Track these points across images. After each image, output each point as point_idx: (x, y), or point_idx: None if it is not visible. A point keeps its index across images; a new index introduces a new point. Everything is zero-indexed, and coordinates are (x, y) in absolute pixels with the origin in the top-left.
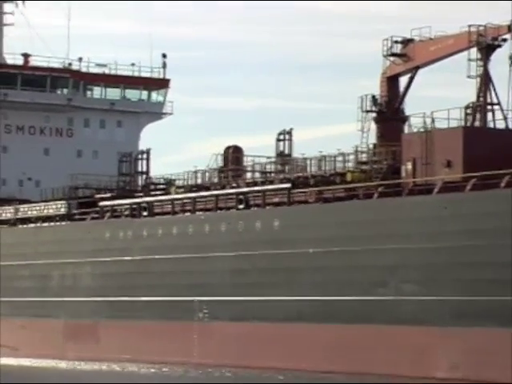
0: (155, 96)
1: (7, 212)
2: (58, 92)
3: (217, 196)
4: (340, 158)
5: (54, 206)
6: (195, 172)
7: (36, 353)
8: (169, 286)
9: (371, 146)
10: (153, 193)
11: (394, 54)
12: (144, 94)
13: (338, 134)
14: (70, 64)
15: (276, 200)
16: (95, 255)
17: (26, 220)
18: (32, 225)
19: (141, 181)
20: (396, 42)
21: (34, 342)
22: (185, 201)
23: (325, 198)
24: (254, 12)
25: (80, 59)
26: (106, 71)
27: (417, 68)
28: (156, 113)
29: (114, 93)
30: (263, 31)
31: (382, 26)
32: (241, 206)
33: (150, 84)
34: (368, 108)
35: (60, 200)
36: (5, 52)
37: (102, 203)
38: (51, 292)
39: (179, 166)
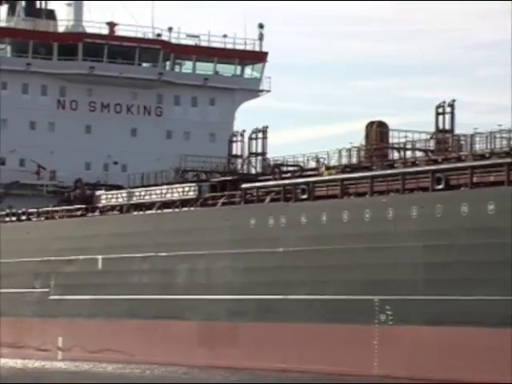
0: (249, 71)
1: (118, 197)
2: (147, 65)
3: (404, 174)
4: None
5: (179, 190)
6: (349, 150)
7: (158, 359)
8: (338, 282)
9: None
10: (284, 176)
11: None
12: (238, 69)
13: None
14: (158, 35)
15: (473, 179)
16: (236, 246)
17: (140, 206)
18: (150, 211)
19: (256, 162)
20: None
21: (154, 346)
22: (357, 181)
23: None
24: None
25: (170, 29)
26: (198, 43)
27: None
28: (252, 90)
29: (205, 67)
30: None
31: None
32: (439, 187)
33: (246, 57)
34: None
35: (188, 183)
36: (85, 20)
37: (245, 185)
38: (177, 289)
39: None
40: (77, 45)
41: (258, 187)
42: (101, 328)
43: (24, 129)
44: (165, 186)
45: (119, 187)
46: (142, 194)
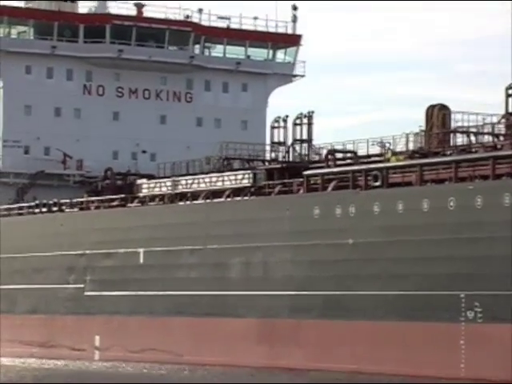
0: (282, 55)
1: (162, 186)
2: (173, 49)
3: (495, 158)
4: None
5: (232, 178)
6: (417, 134)
7: (209, 359)
8: (416, 276)
9: None
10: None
11: None
12: (271, 53)
13: None
14: (187, 16)
15: None
16: (298, 238)
17: (184, 196)
18: (197, 201)
19: (301, 150)
20: None
21: (205, 346)
22: (437, 167)
23: None
24: None
25: (200, 10)
26: (229, 25)
27: None
28: (286, 74)
29: (236, 51)
30: None
31: None
32: None
33: (279, 41)
34: None
35: (241, 170)
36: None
37: (307, 172)
38: (231, 284)
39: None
40: (104, 27)
41: (323, 174)
42: (143, 326)
43: (49, 115)
44: (214, 174)
45: (151, 176)
46: (189, 182)
